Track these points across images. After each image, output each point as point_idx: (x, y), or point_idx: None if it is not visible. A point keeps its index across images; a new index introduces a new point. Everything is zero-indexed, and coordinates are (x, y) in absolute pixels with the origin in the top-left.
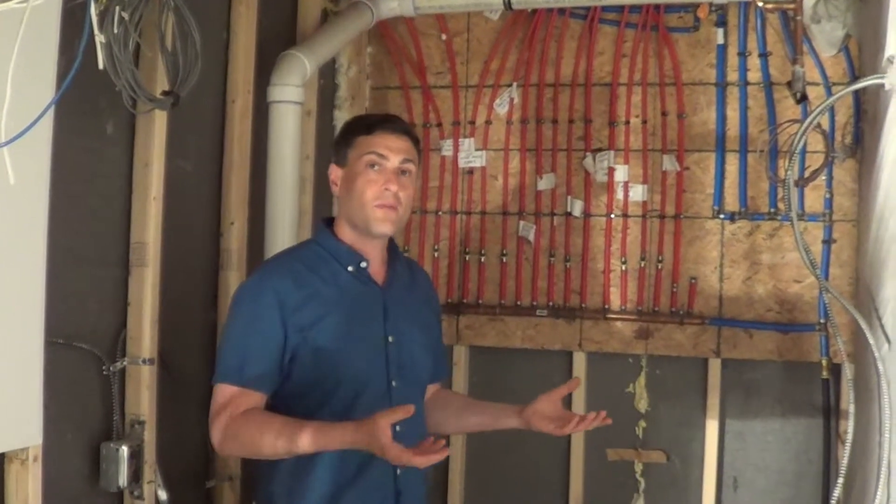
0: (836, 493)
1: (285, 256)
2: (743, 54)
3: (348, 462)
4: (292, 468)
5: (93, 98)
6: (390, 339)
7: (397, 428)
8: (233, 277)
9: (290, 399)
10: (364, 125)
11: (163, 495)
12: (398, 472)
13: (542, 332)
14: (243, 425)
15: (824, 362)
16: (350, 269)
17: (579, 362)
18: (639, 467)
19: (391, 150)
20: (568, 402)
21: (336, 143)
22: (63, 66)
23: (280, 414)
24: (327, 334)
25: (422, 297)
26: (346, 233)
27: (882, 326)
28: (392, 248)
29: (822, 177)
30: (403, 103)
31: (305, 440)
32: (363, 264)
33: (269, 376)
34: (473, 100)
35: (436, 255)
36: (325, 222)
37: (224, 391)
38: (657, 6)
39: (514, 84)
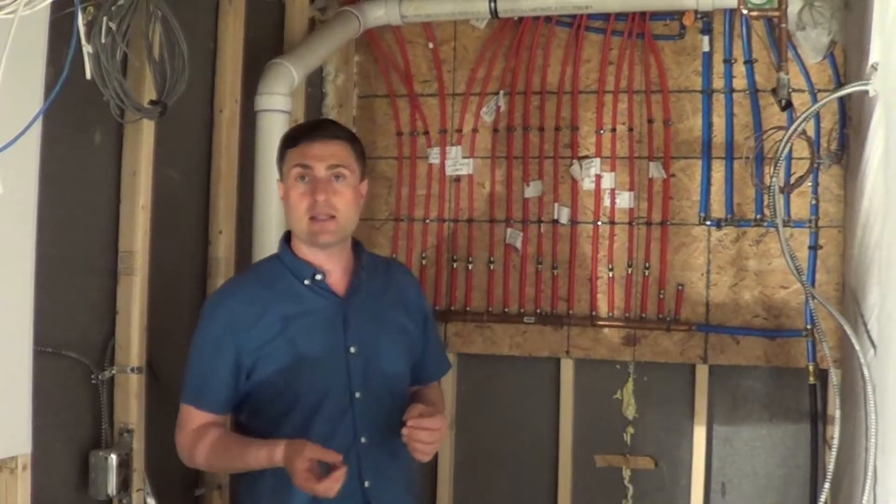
0: (823, 497)
1: (245, 274)
2: (728, 61)
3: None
4: (272, 486)
5: (81, 108)
6: (352, 349)
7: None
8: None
9: (251, 415)
10: (291, 137)
11: (152, 503)
12: (366, 483)
13: (529, 340)
14: (211, 454)
15: (811, 368)
16: (306, 282)
17: (567, 369)
18: (627, 473)
19: (316, 159)
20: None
21: (276, 159)
22: (51, 76)
23: (243, 430)
24: (283, 350)
25: (396, 299)
26: (300, 246)
27: (868, 332)
28: (357, 253)
29: (808, 183)
30: (390, 111)
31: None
32: (318, 276)
33: (223, 399)
34: (460, 108)
35: (423, 262)
36: (286, 236)
37: (187, 412)
38: (643, 14)
39: (501, 92)
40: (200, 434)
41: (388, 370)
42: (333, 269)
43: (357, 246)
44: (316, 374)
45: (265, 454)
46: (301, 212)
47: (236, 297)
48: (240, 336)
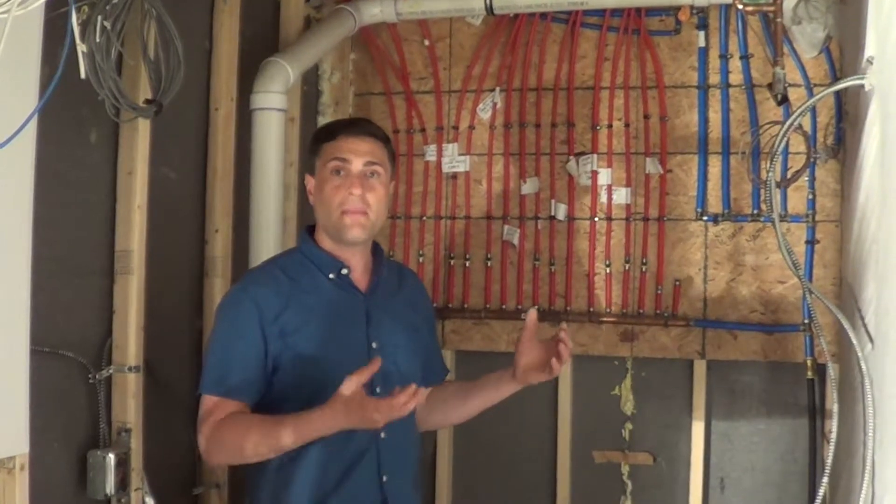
0: (822, 491)
1: (267, 265)
2: (724, 57)
3: (331, 469)
4: (276, 476)
5: (76, 107)
6: (374, 345)
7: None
8: (218, 284)
9: (272, 406)
10: (328, 132)
11: (150, 503)
12: (384, 478)
13: None
14: (226, 432)
15: (809, 362)
16: (331, 276)
17: (565, 365)
18: (625, 469)
19: (353, 154)
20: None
21: (308, 153)
22: (46, 76)
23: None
24: (308, 342)
25: (409, 300)
26: (325, 240)
27: (865, 326)
28: (377, 252)
29: (805, 178)
30: (387, 109)
31: (287, 437)
32: (344, 271)
33: (251, 385)
34: (456, 105)
35: (421, 260)
36: (308, 230)
37: (209, 401)
38: (638, 10)
39: (497, 89)
40: (224, 422)
41: (405, 368)
42: (356, 265)
43: (375, 246)
44: (340, 367)
45: (317, 421)
46: (334, 204)
47: (263, 286)
48: (266, 324)
